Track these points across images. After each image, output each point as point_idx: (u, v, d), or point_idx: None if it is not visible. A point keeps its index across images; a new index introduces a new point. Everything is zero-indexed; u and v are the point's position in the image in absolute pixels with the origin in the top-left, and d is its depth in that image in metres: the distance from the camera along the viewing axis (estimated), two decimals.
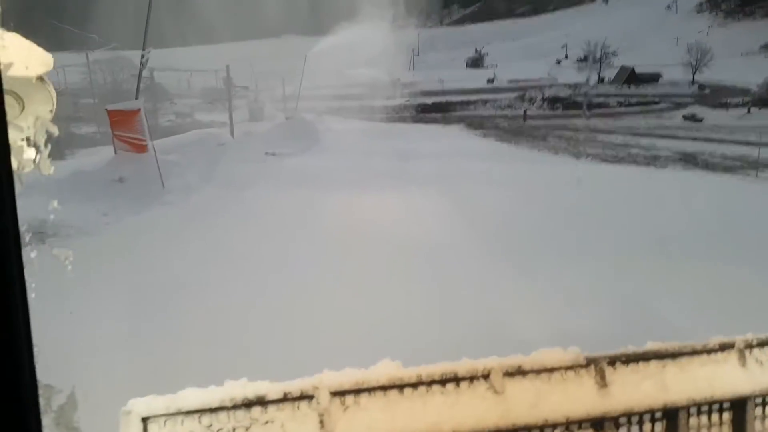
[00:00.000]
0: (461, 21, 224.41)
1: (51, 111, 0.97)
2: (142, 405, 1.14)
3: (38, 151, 0.97)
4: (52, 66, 0.92)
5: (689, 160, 24.70)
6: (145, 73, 45.47)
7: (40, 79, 0.92)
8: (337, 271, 6.60)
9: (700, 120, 53.55)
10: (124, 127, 11.01)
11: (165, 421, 1.13)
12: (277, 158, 18.77)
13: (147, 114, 39.28)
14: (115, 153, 11.43)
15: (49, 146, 0.97)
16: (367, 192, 11.51)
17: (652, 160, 24.71)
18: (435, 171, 15.37)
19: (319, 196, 11.02)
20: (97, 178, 9.99)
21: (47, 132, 0.97)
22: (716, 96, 69.17)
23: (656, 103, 70.68)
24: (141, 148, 10.95)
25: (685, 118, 55.58)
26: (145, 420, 1.13)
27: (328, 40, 52.55)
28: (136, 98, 11.82)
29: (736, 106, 61.88)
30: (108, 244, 7.18)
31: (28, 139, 0.94)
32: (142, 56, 11.95)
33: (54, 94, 0.95)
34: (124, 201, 9.31)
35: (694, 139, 34.86)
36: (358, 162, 17.20)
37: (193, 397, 1.16)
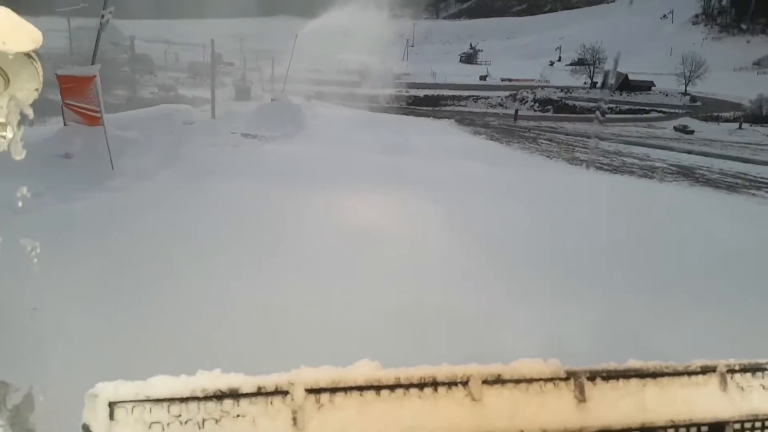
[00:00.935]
0: (457, 15, 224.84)
1: (37, 90, 0.88)
2: (110, 389, 0.97)
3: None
4: (41, 42, 0.82)
5: (687, 174, 24.14)
6: (125, 41, 44.00)
7: (28, 55, 0.84)
8: (318, 267, 6.16)
9: (692, 132, 53.50)
10: (76, 95, 9.71)
11: (132, 408, 0.97)
12: (257, 141, 17.55)
13: (128, 84, 37.99)
14: (65, 124, 10.14)
15: (23, 128, 0.86)
16: (352, 187, 10.48)
17: (649, 171, 24.09)
18: (425, 170, 14.38)
19: (298, 187, 10.04)
20: (41, 151, 8.69)
21: (22, 114, 0.87)
22: (708, 109, 69.50)
23: (646, 111, 70.88)
24: (94, 120, 9.69)
25: (676, 129, 55.53)
26: (112, 405, 0.96)
27: (321, 21, 51.19)
28: (93, 63, 10.50)
29: (728, 120, 62.24)
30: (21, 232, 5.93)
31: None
32: (102, 16, 10.65)
33: (41, 72, 0.87)
34: (64, 181, 8.07)
35: (689, 152, 34.44)
36: (345, 153, 16.08)
37: (162, 385, 0.99)
